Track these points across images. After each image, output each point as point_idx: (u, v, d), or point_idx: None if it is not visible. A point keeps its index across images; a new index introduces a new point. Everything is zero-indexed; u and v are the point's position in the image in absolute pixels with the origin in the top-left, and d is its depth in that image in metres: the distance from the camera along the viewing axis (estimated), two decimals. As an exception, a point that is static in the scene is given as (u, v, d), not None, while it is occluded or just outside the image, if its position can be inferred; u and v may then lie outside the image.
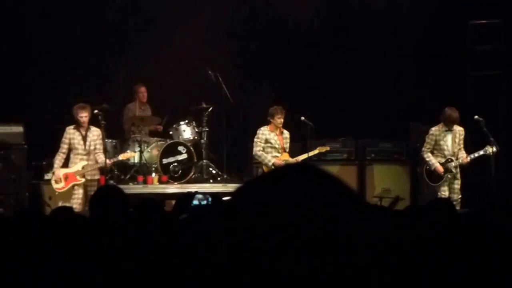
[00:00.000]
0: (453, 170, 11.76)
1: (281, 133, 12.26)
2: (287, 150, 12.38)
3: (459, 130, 11.85)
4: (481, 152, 11.81)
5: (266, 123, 12.16)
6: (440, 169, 11.69)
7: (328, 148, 12.79)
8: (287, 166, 1.90)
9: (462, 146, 11.96)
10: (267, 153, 12.16)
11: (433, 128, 11.91)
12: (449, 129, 11.81)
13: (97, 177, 11.61)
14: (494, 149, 11.72)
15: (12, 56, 13.05)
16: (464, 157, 11.71)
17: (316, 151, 12.53)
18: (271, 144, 12.26)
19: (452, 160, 11.78)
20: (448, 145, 12.00)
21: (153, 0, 13.68)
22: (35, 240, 4.48)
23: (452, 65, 13.73)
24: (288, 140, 12.49)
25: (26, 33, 13.18)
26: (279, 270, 1.66)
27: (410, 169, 13.11)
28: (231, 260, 1.71)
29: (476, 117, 12.05)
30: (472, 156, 11.85)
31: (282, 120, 12.07)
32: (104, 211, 5.31)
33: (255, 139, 12.21)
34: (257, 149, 12.08)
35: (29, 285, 3.81)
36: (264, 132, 12.17)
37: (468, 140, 11.95)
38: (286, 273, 1.67)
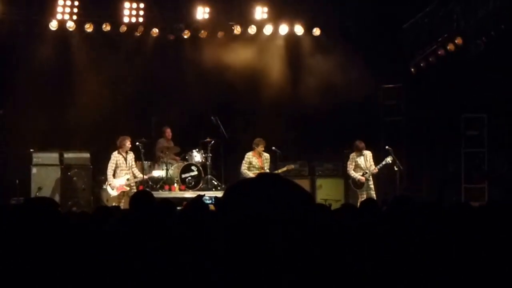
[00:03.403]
0: (369, 178, 15.48)
1: (260, 156, 15.47)
2: (266, 168, 15.54)
3: (368, 153, 15.74)
4: (383, 162, 15.52)
5: (251, 149, 15.51)
6: (363, 179, 15.49)
7: (293, 167, 16.49)
8: (261, 174, 2.30)
9: (372, 162, 15.58)
10: (250, 171, 15.26)
11: (351, 154, 15.73)
12: (361, 154, 15.63)
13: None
14: (390, 158, 15.38)
15: (84, 100, 16.81)
16: (374, 168, 15.46)
17: (285, 169, 15.90)
18: (253, 165, 15.48)
19: (366, 172, 15.55)
20: (362, 163, 15.65)
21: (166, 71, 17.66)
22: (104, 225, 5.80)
23: (370, 114, 17.94)
24: (268, 161, 15.60)
25: (89, 83, 16.83)
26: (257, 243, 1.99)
27: (344, 181, 16.91)
28: (225, 238, 2.06)
29: (387, 147, 16.04)
30: (378, 166, 15.50)
31: (263, 148, 15.47)
32: (139, 206, 6.13)
33: (243, 161, 15.50)
34: (243, 168, 15.47)
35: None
36: (248, 157, 15.56)
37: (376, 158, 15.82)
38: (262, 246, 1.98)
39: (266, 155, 15.68)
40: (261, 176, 2.24)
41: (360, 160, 15.72)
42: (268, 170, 15.67)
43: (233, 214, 2.05)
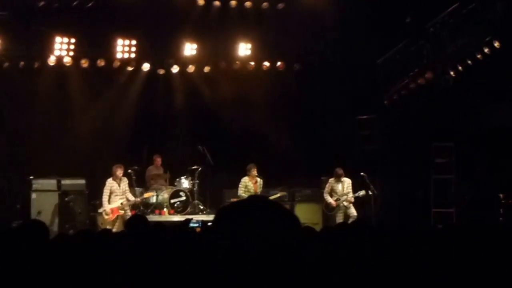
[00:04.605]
0: (341, 205, 15.98)
1: (256, 182, 16.04)
2: (259, 193, 15.98)
3: (347, 180, 16.21)
4: (356, 194, 16.05)
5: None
6: (333, 204, 16.12)
7: (285, 193, 17.26)
8: (251, 197, 2.27)
9: (350, 190, 16.03)
10: (246, 194, 15.65)
11: (330, 179, 16.37)
12: (339, 180, 16.18)
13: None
14: (363, 192, 16.02)
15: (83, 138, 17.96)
16: (349, 197, 16.02)
17: (278, 195, 16.71)
18: (248, 189, 16.05)
19: (339, 199, 16.06)
20: (339, 189, 16.15)
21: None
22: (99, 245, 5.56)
23: (347, 143, 18.67)
24: (261, 186, 16.19)
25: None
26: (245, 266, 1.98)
27: (322, 205, 17.15)
28: (215, 259, 2.04)
29: (361, 173, 16.58)
30: (354, 195, 16.02)
31: (255, 172, 16.03)
32: (134, 229, 6.37)
33: (239, 185, 16.07)
34: (240, 192, 16.07)
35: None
36: (245, 180, 16.15)
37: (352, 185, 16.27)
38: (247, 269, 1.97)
39: (260, 181, 16.30)
40: (251, 198, 2.28)
41: (337, 186, 16.29)
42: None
43: (223, 235, 2.06)
